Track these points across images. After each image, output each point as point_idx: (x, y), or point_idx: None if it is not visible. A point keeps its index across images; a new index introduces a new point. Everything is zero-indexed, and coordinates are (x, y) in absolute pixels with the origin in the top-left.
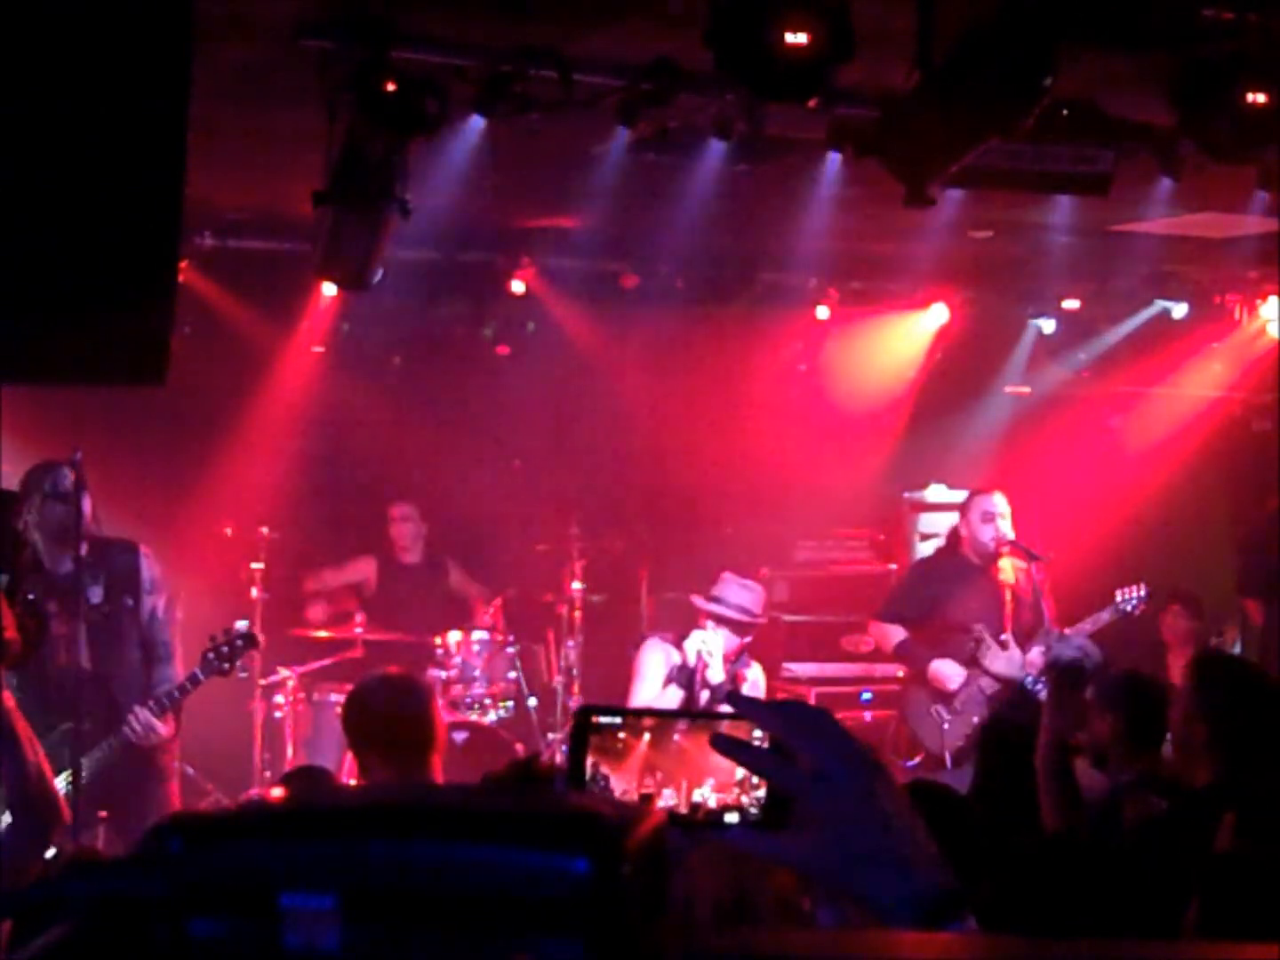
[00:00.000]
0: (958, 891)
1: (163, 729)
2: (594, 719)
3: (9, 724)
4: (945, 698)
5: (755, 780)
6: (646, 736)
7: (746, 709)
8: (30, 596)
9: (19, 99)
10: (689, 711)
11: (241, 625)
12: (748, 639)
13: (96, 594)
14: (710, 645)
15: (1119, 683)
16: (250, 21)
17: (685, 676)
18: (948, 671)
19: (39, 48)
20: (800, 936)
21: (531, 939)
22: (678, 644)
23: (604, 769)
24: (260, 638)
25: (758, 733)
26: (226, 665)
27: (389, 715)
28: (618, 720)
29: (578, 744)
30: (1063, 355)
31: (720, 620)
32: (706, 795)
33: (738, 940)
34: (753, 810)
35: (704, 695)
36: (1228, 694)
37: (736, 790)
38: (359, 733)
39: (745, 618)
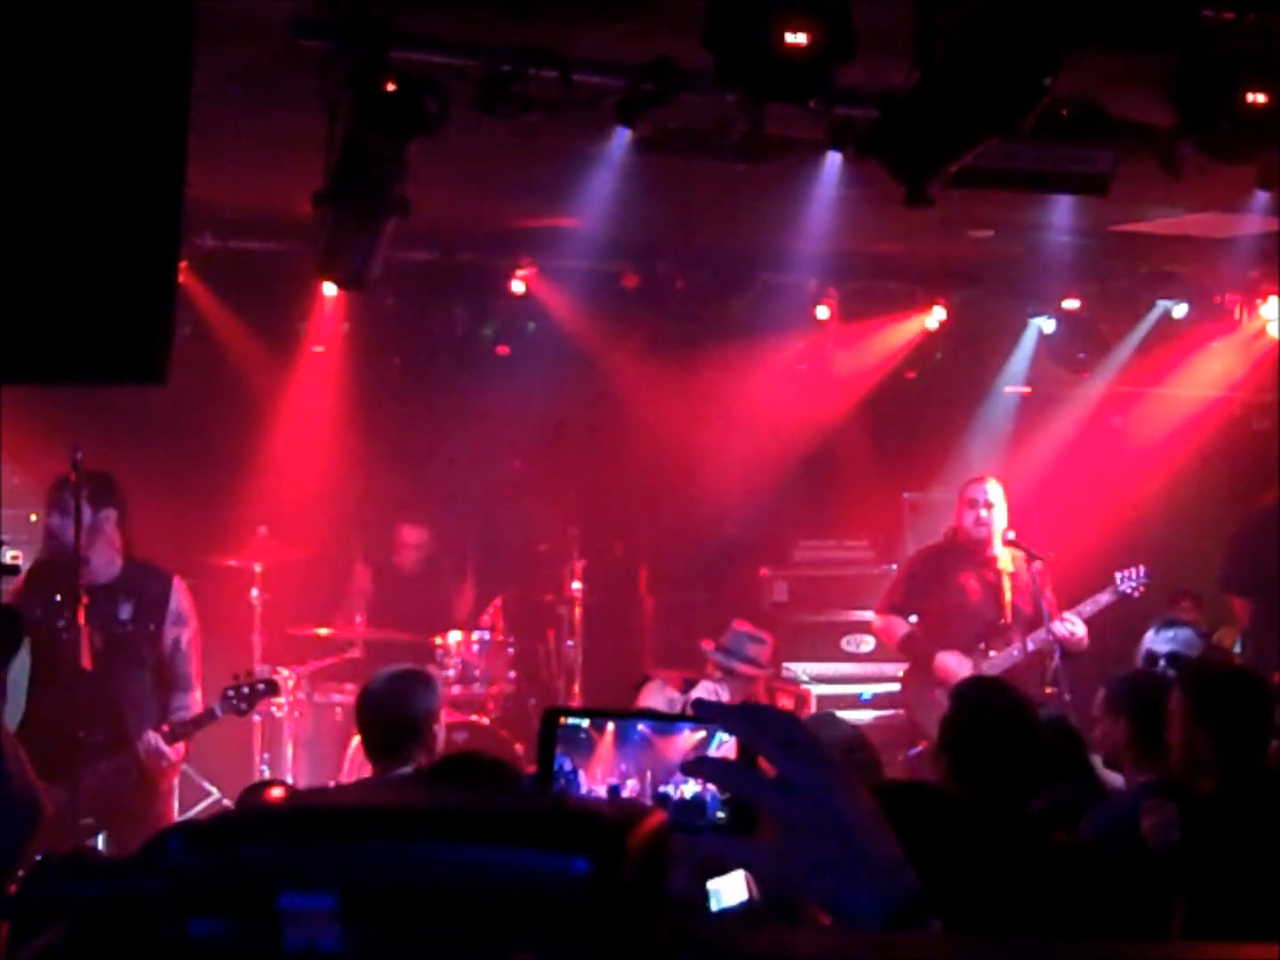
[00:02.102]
0: (921, 896)
1: (171, 754)
2: (561, 720)
3: None
4: (948, 686)
5: None
6: (610, 727)
7: (711, 715)
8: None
9: (19, 99)
10: (655, 713)
11: (263, 670)
12: (753, 689)
13: (126, 611)
14: (717, 698)
15: (1126, 685)
16: (250, 21)
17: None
18: (952, 664)
19: (39, 48)
20: (800, 936)
21: (532, 939)
22: (680, 687)
23: (570, 762)
24: (280, 685)
25: (725, 736)
26: (245, 707)
27: (379, 712)
28: (584, 721)
29: (546, 745)
30: (1063, 355)
31: (728, 672)
32: (670, 789)
33: (737, 940)
34: (720, 814)
35: None
36: (1225, 700)
37: (701, 783)
38: (359, 716)
39: (754, 671)
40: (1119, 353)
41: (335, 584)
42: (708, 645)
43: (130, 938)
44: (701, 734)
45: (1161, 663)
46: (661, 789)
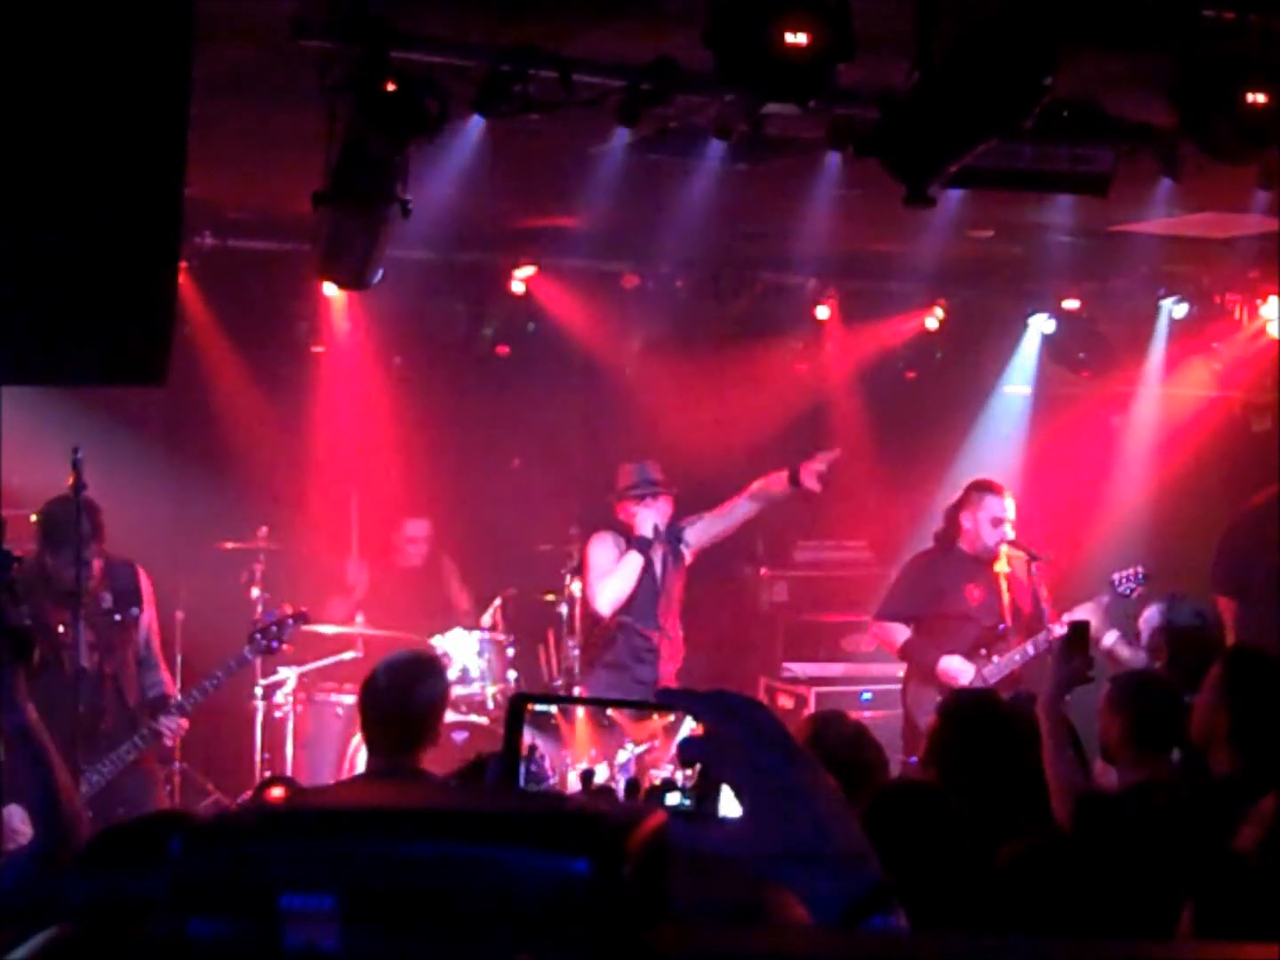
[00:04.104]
0: (885, 885)
1: (184, 723)
2: (529, 706)
3: (38, 739)
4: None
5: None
6: (580, 713)
7: (678, 701)
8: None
9: (20, 99)
10: (621, 700)
11: (289, 609)
12: (672, 495)
13: (107, 600)
14: (658, 518)
15: (1129, 684)
16: (250, 21)
17: (643, 543)
18: (956, 668)
19: (40, 49)
20: (799, 936)
21: (532, 939)
22: (622, 533)
23: (540, 747)
24: (308, 614)
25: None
26: (275, 644)
27: (383, 704)
28: (552, 708)
29: (512, 730)
30: (1063, 355)
31: (647, 498)
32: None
33: (737, 940)
34: (687, 800)
35: (659, 557)
36: (1255, 688)
37: (670, 766)
38: (363, 706)
39: (661, 486)
40: (1146, 360)
41: (335, 582)
42: (617, 499)
43: (130, 938)
44: (670, 719)
45: (1144, 635)
46: (632, 775)
